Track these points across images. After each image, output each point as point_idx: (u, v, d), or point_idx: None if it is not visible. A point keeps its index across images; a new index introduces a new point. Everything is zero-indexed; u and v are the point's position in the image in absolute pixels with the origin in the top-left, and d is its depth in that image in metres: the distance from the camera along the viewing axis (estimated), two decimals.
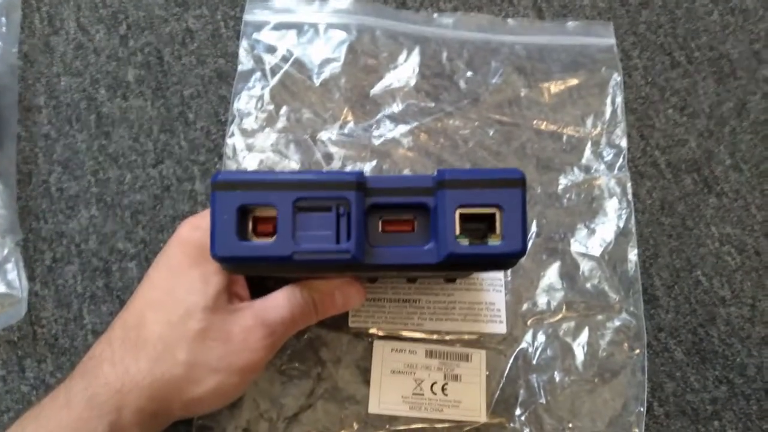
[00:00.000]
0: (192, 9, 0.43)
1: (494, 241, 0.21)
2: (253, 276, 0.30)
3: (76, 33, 0.43)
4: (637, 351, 0.36)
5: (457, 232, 0.21)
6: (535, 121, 0.41)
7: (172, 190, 0.40)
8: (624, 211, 0.39)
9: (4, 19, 0.41)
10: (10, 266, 0.36)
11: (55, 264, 0.38)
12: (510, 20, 0.43)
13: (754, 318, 0.39)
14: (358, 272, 0.23)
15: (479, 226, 0.21)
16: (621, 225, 0.39)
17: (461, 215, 0.21)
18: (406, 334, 0.36)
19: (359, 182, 0.21)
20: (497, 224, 0.21)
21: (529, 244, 0.38)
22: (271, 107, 0.40)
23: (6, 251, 0.36)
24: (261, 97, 0.40)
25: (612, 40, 0.43)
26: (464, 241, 0.21)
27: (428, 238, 0.22)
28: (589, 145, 0.40)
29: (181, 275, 0.28)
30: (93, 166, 0.40)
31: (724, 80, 0.44)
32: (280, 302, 0.28)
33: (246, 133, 0.40)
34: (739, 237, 0.41)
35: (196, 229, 0.29)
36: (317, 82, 0.41)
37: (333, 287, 0.29)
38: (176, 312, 0.27)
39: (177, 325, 0.27)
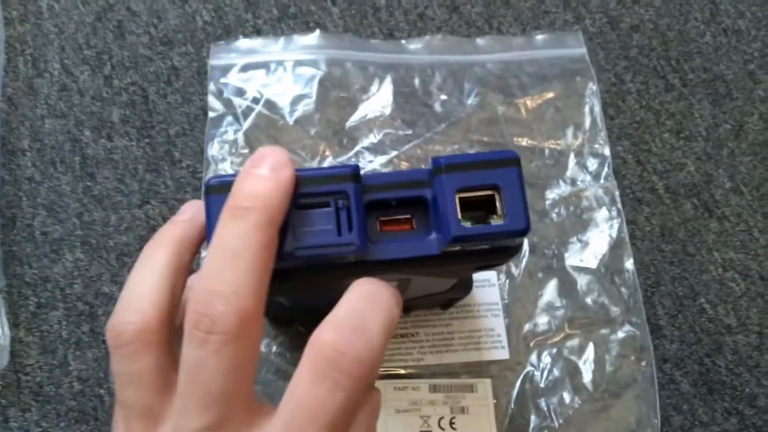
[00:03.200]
0: (177, 47, 0.45)
1: (497, 221, 0.22)
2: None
3: (60, 75, 0.45)
4: (644, 362, 0.37)
5: (459, 215, 0.22)
6: (515, 138, 0.43)
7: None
8: (615, 221, 0.40)
9: None
10: None
11: (40, 310, 0.39)
12: (479, 39, 0.45)
13: (762, 346, 0.40)
14: (359, 275, 0.24)
15: (478, 213, 0.22)
16: (613, 235, 0.40)
17: (460, 200, 0.22)
18: (406, 370, 0.37)
19: (355, 174, 0.22)
20: (498, 205, 0.22)
21: (523, 263, 0.39)
22: (245, 151, 0.42)
23: None
24: (235, 142, 0.42)
25: (583, 50, 0.45)
26: (467, 224, 0.22)
27: (429, 232, 0.23)
28: (572, 156, 0.42)
29: None
30: (78, 208, 0.42)
31: (719, 102, 0.46)
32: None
33: None
34: (743, 262, 0.42)
35: None
36: (291, 120, 0.43)
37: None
38: None
39: None
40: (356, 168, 0.22)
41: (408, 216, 0.23)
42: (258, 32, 0.46)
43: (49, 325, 0.39)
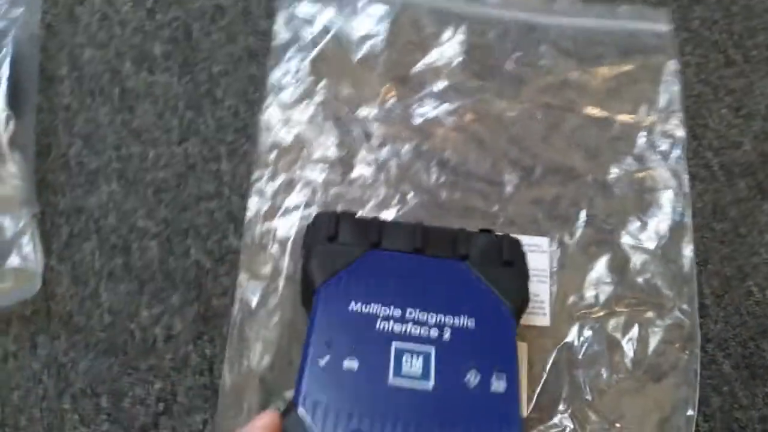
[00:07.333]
0: None
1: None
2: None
3: (101, 4, 0.44)
4: (689, 352, 0.37)
5: None
6: (585, 107, 0.42)
7: (197, 169, 0.40)
8: (680, 205, 0.40)
9: None
10: (25, 239, 0.36)
11: (73, 239, 0.38)
12: (559, 2, 0.44)
13: None
14: None
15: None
16: (676, 219, 0.39)
17: None
18: None
19: None
20: None
21: (578, 234, 0.39)
22: (309, 80, 0.41)
23: (22, 223, 0.37)
24: (299, 70, 0.42)
25: (668, 26, 0.44)
26: None
27: None
28: (642, 134, 0.41)
29: None
30: (115, 140, 0.41)
31: None
32: None
33: (283, 106, 0.41)
34: None
35: None
36: (357, 56, 0.42)
37: None
38: None
39: None
40: None
41: None
42: None
43: (81, 255, 0.38)
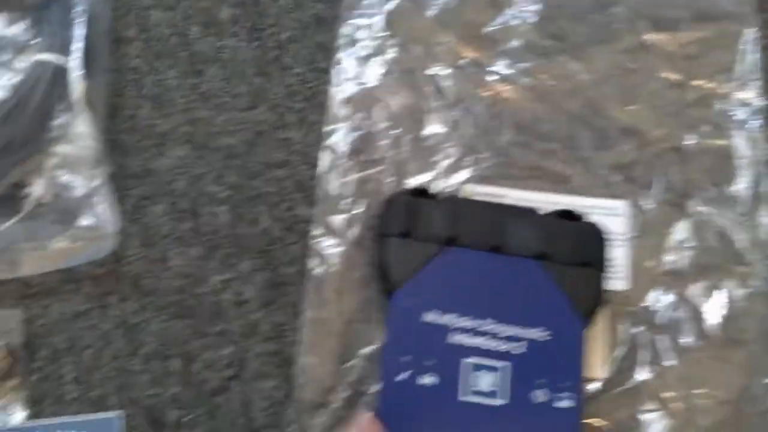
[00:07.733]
0: None
1: None
2: None
3: None
4: None
5: None
6: (661, 71, 0.41)
7: (265, 136, 0.40)
8: (760, 173, 0.39)
9: None
10: (98, 199, 0.36)
11: (142, 202, 0.38)
12: None
13: None
14: None
15: None
16: (754, 186, 0.39)
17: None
18: None
19: None
20: None
21: (655, 199, 0.39)
22: (382, 35, 0.41)
23: (95, 183, 0.37)
24: (371, 26, 0.41)
25: None
26: None
27: None
28: (720, 101, 0.41)
29: None
30: (184, 104, 0.41)
31: None
32: None
33: (355, 61, 0.41)
34: None
35: None
36: (432, 13, 0.42)
37: None
38: None
39: None
40: None
41: None
42: None
43: (150, 218, 0.38)
